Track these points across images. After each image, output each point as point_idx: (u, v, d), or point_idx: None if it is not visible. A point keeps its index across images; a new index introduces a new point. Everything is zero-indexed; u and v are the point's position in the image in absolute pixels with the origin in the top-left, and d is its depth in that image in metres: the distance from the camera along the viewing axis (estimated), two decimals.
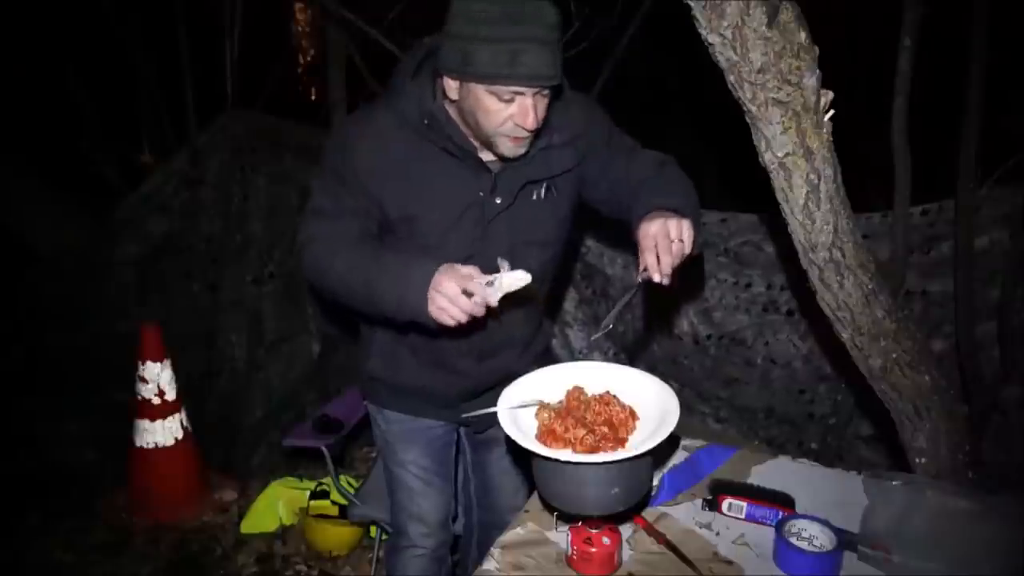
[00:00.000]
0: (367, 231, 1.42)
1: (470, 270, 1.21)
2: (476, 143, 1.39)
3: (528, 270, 1.51)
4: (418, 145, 1.38)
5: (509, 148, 1.34)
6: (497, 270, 1.21)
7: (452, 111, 1.38)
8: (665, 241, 1.29)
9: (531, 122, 1.28)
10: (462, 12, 1.24)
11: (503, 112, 1.28)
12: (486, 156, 1.41)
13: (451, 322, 1.21)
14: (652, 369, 1.34)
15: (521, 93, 1.26)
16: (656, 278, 1.29)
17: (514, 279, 1.21)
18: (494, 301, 1.20)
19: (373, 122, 1.40)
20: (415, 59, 1.39)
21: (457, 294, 1.18)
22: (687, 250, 1.32)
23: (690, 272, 3.11)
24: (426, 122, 1.36)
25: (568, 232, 1.59)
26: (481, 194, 1.42)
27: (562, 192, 1.50)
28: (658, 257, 1.29)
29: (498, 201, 1.43)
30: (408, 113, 1.37)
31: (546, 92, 1.30)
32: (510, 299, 1.23)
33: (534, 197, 1.48)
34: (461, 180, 1.40)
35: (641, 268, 1.32)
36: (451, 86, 1.32)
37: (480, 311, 1.20)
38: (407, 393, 1.65)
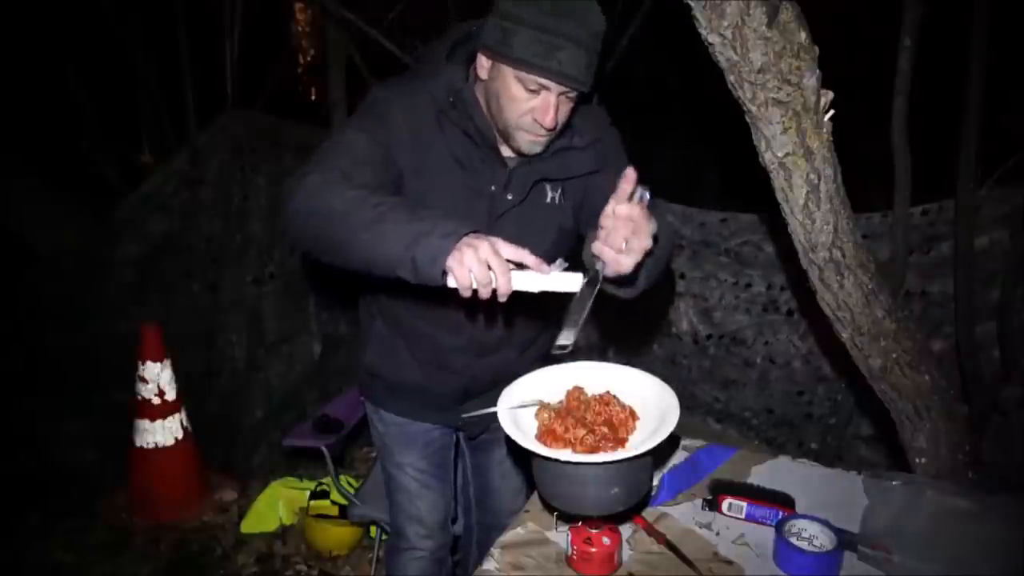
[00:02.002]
0: (380, 188, 1.28)
1: (514, 248, 1.08)
2: (496, 134, 1.37)
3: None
4: (442, 126, 1.36)
5: (526, 143, 1.33)
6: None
7: (480, 94, 1.36)
8: (645, 226, 1.11)
9: (550, 120, 1.27)
10: None
11: (526, 103, 1.27)
12: (505, 151, 1.40)
13: (464, 280, 1.04)
14: (651, 369, 1.32)
15: (547, 88, 1.25)
16: (610, 268, 1.12)
17: (555, 281, 1.08)
18: (507, 288, 1.05)
19: (407, 93, 1.37)
20: (450, 40, 1.38)
21: (490, 254, 1.03)
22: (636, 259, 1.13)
23: (690, 272, 3.13)
24: (451, 99, 1.34)
25: (573, 239, 1.55)
26: (493, 188, 1.40)
27: (570, 197, 1.49)
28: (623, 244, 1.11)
29: (509, 197, 1.41)
30: (437, 92, 1.35)
31: (572, 95, 1.28)
32: (516, 297, 1.09)
33: (548, 199, 1.47)
34: (476, 168, 1.39)
35: (596, 257, 1.13)
36: (484, 64, 1.31)
37: (488, 290, 1.05)
38: (404, 392, 1.65)
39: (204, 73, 3.17)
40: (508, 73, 1.26)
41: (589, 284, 1.12)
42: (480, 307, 1.47)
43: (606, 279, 1.14)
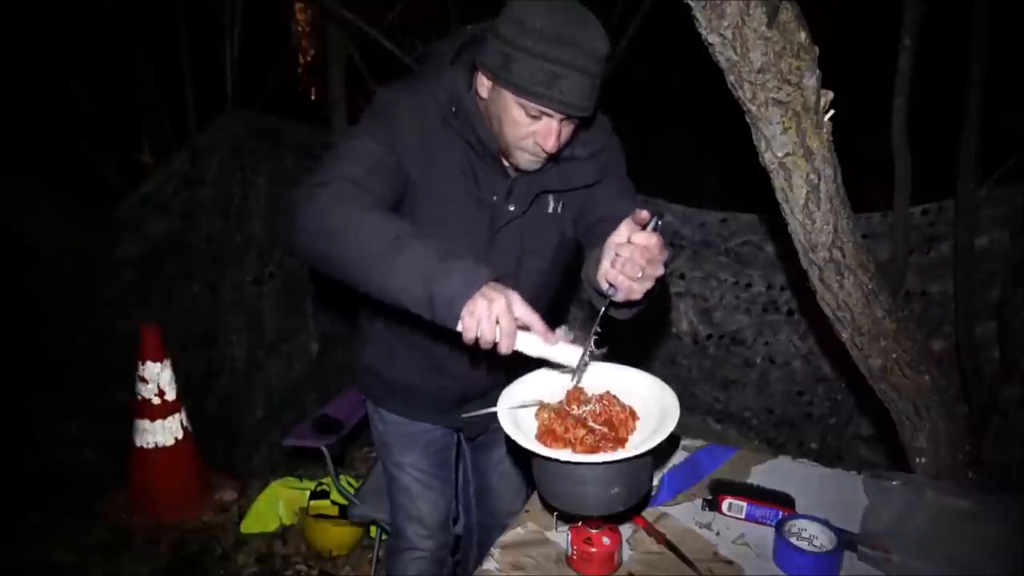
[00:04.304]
0: (391, 200, 1.29)
1: (527, 310, 1.10)
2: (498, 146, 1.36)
3: (531, 281, 1.48)
4: (445, 132, 1.35)
5: (525, 161, 1.32)
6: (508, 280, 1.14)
7: (481, 105, 1.34)
8: (660, 255, 1.13)
9: (552, 145, 1.26)
10: (516, 16, 1.19)
11: (527, 127, 1.26)
12: (506, 161, 1.39)
13: (471, 332, 1.06)
14: (651, 369, 1.32)
15: (549, 115, 1.24)
16: (622, 295, 1.15)
17: (555, 352, 1.12)
18: (508, 349, 1.08)
19: (413, 95, 1.35)
20: (455, 44, 1.36)
21: (502, 311, 1.05)
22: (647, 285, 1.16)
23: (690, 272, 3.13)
24: (454, 109, 1.33)
25: (573, 247, 1.55)
26: (495, 198, 1.39)
27: (570, 208, 1.47)
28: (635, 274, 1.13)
29: (511, 208, 1.40)
30: (440, 97, 1.33)
31: (575, 119, 1.27)
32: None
33: (550, 210, 1.46)
34: (477, 178, 1.37)
35: (606, 282, 1.16)
36: (484, 84, 1.29)
37: (489, 345, 1.08)
38: (403, 392, 1.65)
39: (204, 73, 3.17)
40: (509, 98, 1.24)
41: (596, 310, 1.16)
42: None
43: (612, 303, 1.17)
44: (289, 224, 1.19)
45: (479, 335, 1.06)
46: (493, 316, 1.05)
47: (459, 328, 1.08)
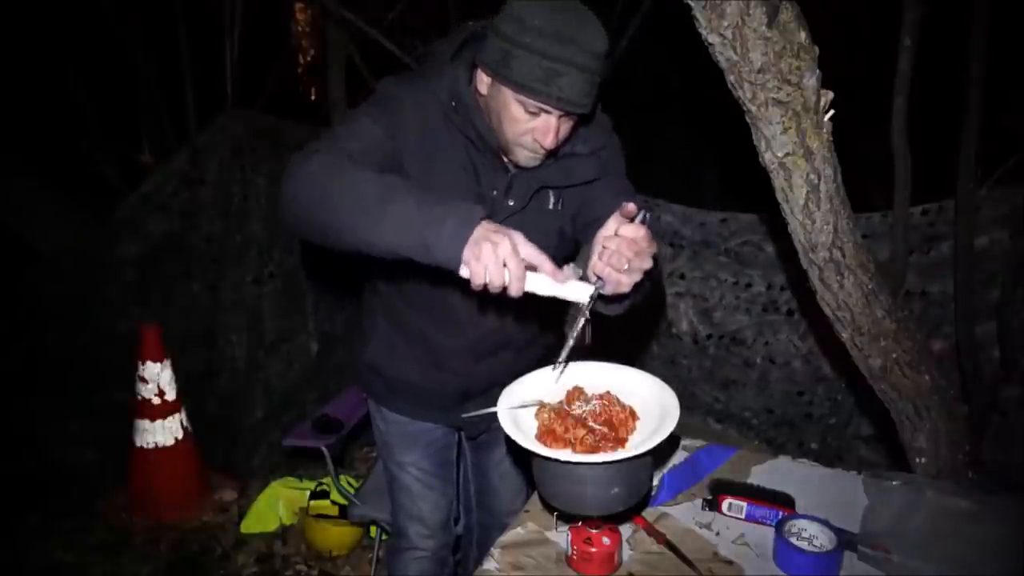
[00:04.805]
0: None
1: (533, 249, 1.08)
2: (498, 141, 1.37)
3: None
4: (445, 128, 1.36)
5: (524, 158, 1.33)
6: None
7: (481, 102, 1.35)
8: (648, 248, 1.13)
9: (550, 142, 1.27)
10: (515, 14, 1.21)
11: (526, 124, 1.27)
12: (505, 157, 1.40)
13: (480, 278, 1.04)
14: (651, 369, 1.32)
15: (548, 111, 1.25)
16: (610, 287, 1.14)
17: (567, 290, 1.11)
18: (519, 291, 1.06)
19: (415, 93, 1.37)
20: (455, 41, 1.37)
21: (509, 253, 1.03)
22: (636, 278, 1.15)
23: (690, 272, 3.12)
24: (454, 105, 1.34)
25: (571, 244, 1.56)
26: (495, 193, 1.40)
27: (569, 204, 1.48)
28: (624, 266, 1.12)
29: (510, 203, 1.41)
30: (441, 94, 1.35)
31: (573, 116, 1.28)
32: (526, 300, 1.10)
33: (550, 206, 1.46)
34: (477, 173, 1.39)
35: (594, 275, 1.16)
36: (484, 80, 1.30)
37: (498, 287, 1.05)
38: (404, 391, 1.65)
39: (204, 73, 3.17)
40: (508, 94, 1.25)
41: (587, 301, 1.15)
42: (482, 309, 1.48)
43: (600, 296, 1.17)
44: (282, 194, 1.20)
45: (488, 280, 1.04)
46: (500, 259, 1.03)
47: (463, 273, 1.06)
